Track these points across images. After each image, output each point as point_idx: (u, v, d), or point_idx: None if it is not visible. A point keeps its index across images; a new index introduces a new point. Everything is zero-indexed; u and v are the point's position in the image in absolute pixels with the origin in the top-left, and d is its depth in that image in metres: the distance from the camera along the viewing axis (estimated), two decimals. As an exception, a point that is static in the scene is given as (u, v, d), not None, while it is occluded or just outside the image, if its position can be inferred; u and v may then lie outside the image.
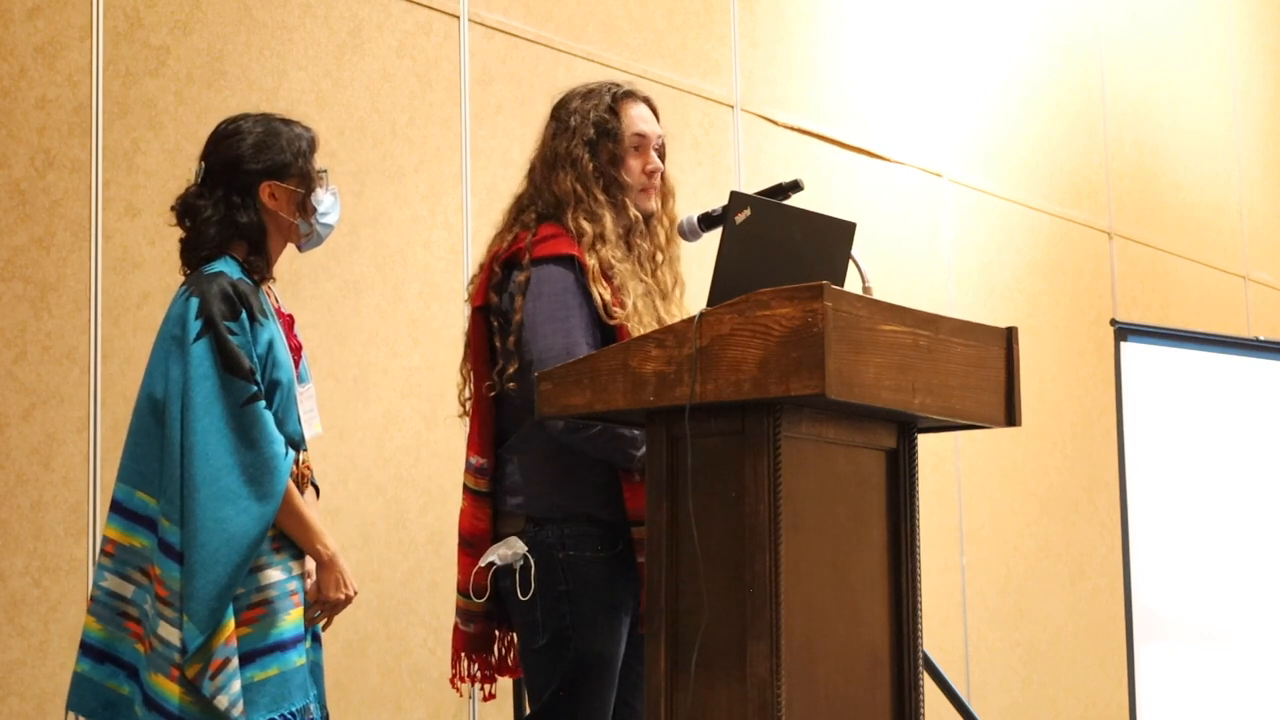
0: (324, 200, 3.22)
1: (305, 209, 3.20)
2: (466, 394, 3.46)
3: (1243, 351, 5.70)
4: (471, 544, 3.39)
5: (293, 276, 4.35)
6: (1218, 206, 8.49)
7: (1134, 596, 5.34)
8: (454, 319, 4.63)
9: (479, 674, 3.45)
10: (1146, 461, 5.43)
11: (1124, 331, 5.48)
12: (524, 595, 3.28)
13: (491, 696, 3.52)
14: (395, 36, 4.68)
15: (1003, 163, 7.05)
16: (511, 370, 3.32)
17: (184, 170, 3.93)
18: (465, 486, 3.43)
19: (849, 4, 6.38)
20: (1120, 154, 7.79)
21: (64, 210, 3.90)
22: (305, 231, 3.21)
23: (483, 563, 3.32)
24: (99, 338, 3.92)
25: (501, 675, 3.49)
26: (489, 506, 3.39)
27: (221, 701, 2.95)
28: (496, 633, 3.46)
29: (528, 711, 3.43)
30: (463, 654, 3.44)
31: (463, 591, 3.41)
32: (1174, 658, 5.42)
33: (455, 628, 3.45)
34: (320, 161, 3.24)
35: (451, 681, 3.46)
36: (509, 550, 3.30)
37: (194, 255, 3.15)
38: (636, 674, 3.40)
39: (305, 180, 3.19)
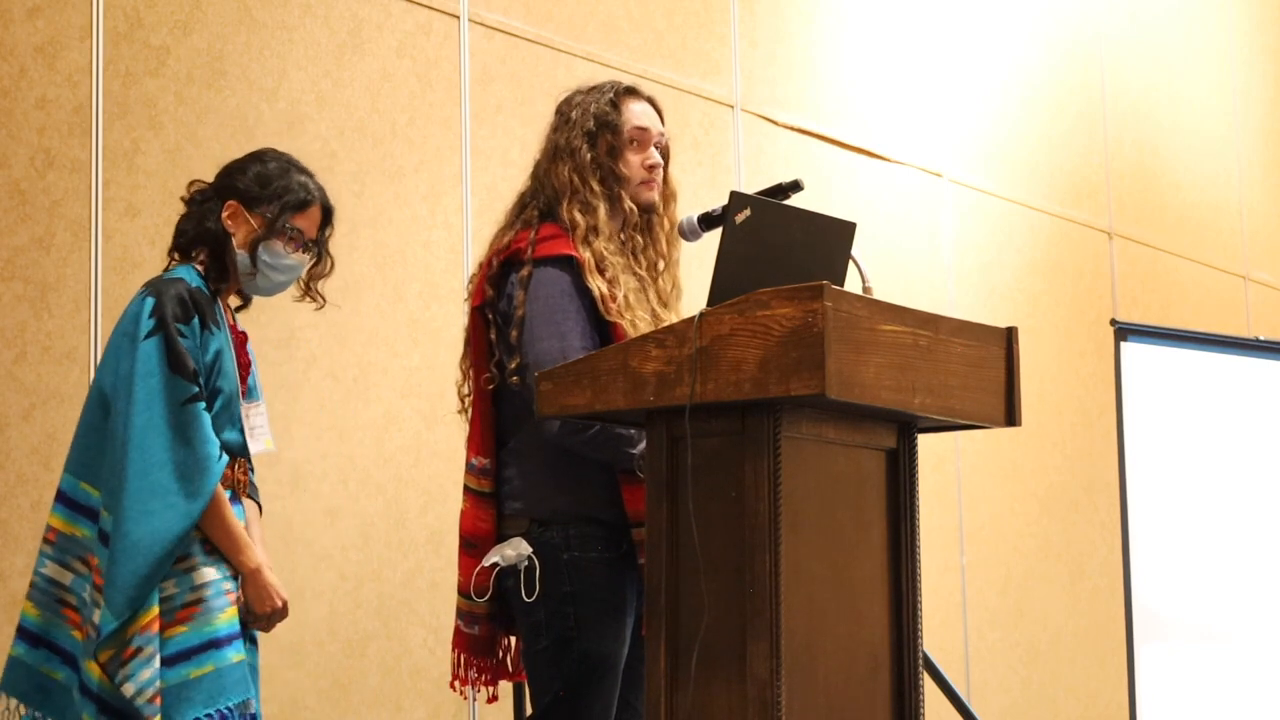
0: (277, 254, 3.24)
1: (253, 247, 3.22)
2: (466, 390, 3.46)
3: (1243, 351, 5.70)
4: (473, 545, 3.38)
5: (293, 276, 4.35)
6: (1218, 206, 8.49)
7: (1134, 596, 5.34)
8: (454, 319, 4.63)
9: (480, 677, 3.44)
10: (1146, 461, 5.43)
11: (1124, 331, 5.48)
12: (529, 596, 3.28)
13: (494, 699, 3.51)
14: (395, 36, 4.68)
15: (1003, 163, 7.05)
16: (513, 365, 3.33)
17: (184, 170, 3.94)
18: (466, 487, 3.42)
19: (849, 4, 6.38)
20: (1120, 154, 7.79)
21: (64, 210, 3.90)
22: (245, 269, 3.24)
23: (486, 563, 3.31)
24: (99, 338, 3.92)
25: (501, 679, 3.48)
26: (492, 508, 3.38)
27: (128, 689, 2.99)
28: (498, 636, 3.45)
29: (530, 712, 3.42)
30: (463, 656, 3.43)
31: (464, 593, 3.40)
32: (1174, 658, 5.42)
33: (456, 629, 3.44)
34: (304, 225, 3.25)
35: (451, 685, 3.45)
36: (513, 551, 3.29)
37: (171, 248, 3.25)
38: (638, 673, 3.40)
39: (268, 225, 3.22)
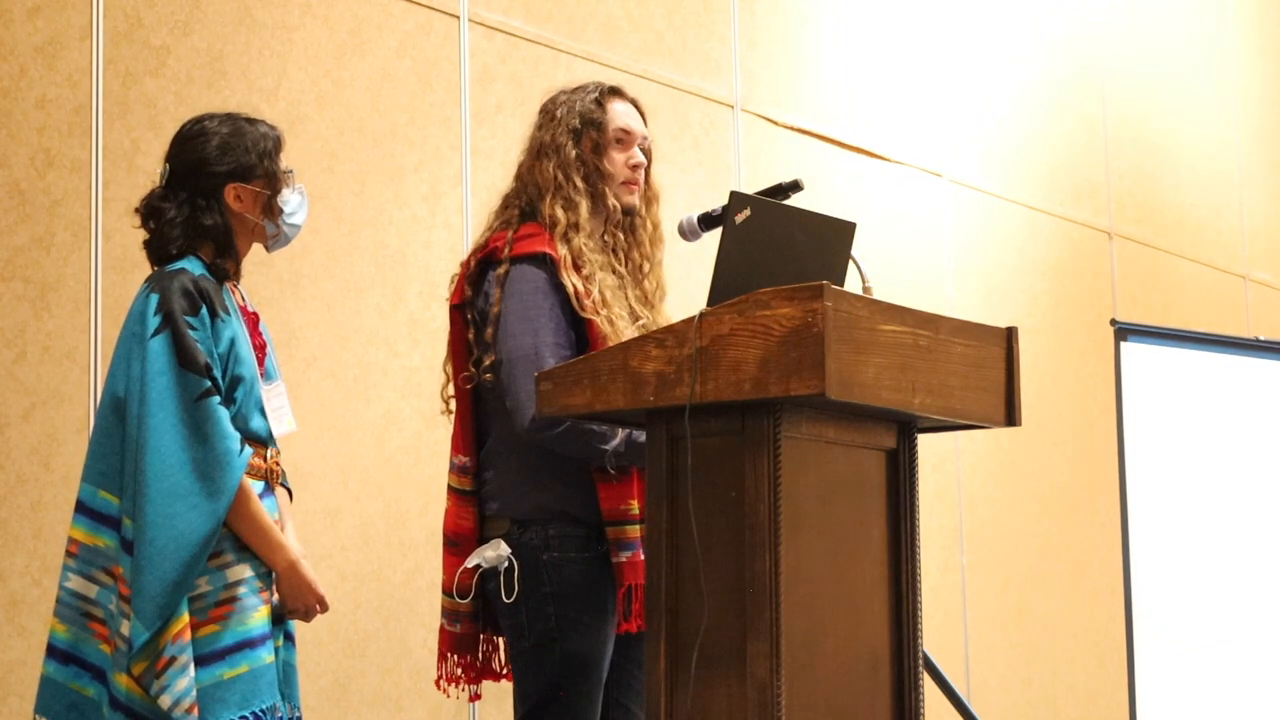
0: (290, 200, 3.20)
1: (271, 210, 3.18)
2: (450, 391, 3.48)
3: (1243, 351, 5.70)
4: (456, 544, 3.40)
5: (293, 276, 4.35)
6: (1218, 206, 8.49)
7: (1134, 596, 5.34)
8: (454, 319, 4.63)
9: (463, 675, 3.45)
10: (1146, 461, 5.43)
11: (1124, 331, 5.48)
12: (508, 598, 3.29)
13: (477, 697, 3.52)
14: (395, 36, 4.68)
15: (1003, 163, 7.05)
16: (488, 362, 3.34)
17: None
18: (449, 486, 3.44)
19: (849, 4, 6.38)
20: (1120, 154, 7.79)
21: (64, 210, 3.90)
22: (272, 233, 3.20)
23: (469, 564, 3.33)
24: (99, 338, 3.92)
25: (487, 679, 3.48)
26: (473, 506, 3.40)
27: (164, 701, 2.92)
28: (481, 634, 3.46)
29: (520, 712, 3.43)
30: (448, 654, 3.44)
31: (447, 592, 3.41)
32: (1174, 658, 5.42)
33: (441, 628, 3.45)
34: (287, 161, 3.22)
35: (437, 683, 3.45)
36: (494, 552, 3.31)
37: (160, 255, 3.14)
38: (628, 674, 3.41)
39: (271, 181, 3.17)
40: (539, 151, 3.47)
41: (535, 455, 3.32)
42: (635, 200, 3.50)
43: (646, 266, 3.53)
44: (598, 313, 3.32)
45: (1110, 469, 6.53)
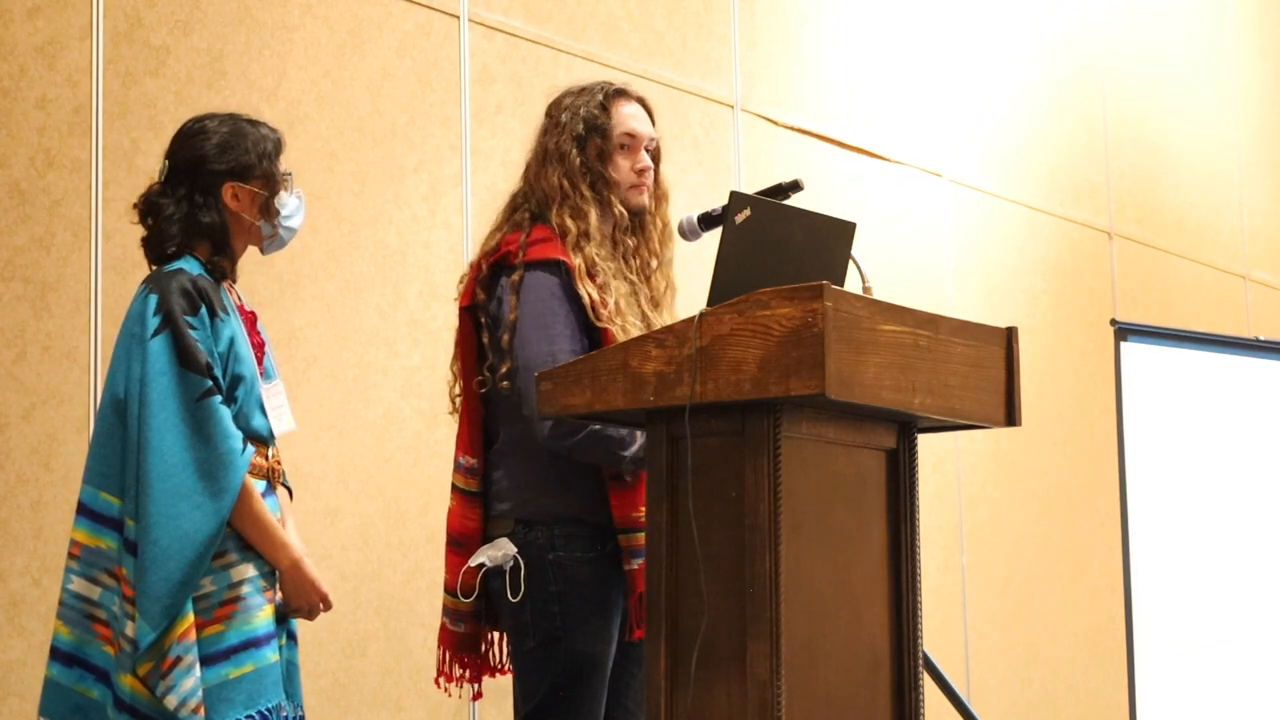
0: (288, 203, 3.20)
1: (268, 211, 3.18)
2: (457, 390, 3.47)
3: (1243, 351, 5.71)
4: (460, 544, 3.39)
5: (293, 276, 4.35)
6: (1218, 206, 8.49)
7: (1134, 596, 5.34)
8: (454, 319, 4.61)
9: (465, 674, 3.45)
10: (1146, 461, 5.43)
11: (1124, 331, 5.48)
12: (514, 597, 3.28)
13: (478, 696, 3.52)
14: (395, 36, 4.68)
15: (1003, 163, 7.05)
16: (504, 369, 3.33)
17: (184, 170, 3.93)
18: (454, 485, 3.43)
19: (849, 4, 6.38)
20: (1120, 154, 7.79)
21: (64, 210, 3.90)
22: (268, 234, 3.20)
23: (473, 563, 3.32)
24: (99, 338, 3.92)
25: (487, 675, 3.48)
26: (479, 507, 3.39)
27: (170, 701, 2.93)
28: (483, 633, 3.46)
29: (521, 712, 3.43)
30: (448, 653, 3.44)
31: (451, 591, 3.40)
32: (1174, 658, 5.42)
33: (442, 627, 3.44)
34: (287, 162, 3.23)
35: (436, 681, 3.45)
36: (499, 551, 3.30)
37: (157, 253, 3.14)
38: (630, 674, 3.40)
39: (269, 182, 3.17)
40: (544, 158, 3.44)
41: (546, 459, 3.31)
42: (644, 200, 3.47)
43: (654, 264, 3.50)
44: (613, 321, 3.31)
45: (1110, 469, 6.52)
